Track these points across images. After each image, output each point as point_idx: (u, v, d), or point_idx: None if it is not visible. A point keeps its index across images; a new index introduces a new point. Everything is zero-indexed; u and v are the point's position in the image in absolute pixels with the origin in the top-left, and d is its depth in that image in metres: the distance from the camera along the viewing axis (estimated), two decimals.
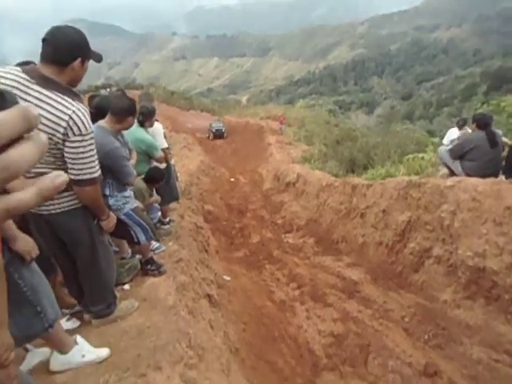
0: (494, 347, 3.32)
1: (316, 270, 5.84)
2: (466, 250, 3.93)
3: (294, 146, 18.13)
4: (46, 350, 1.84)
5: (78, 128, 1.76)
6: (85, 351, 1.83)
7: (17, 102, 0.32)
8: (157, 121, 4.46)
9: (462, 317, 3.83)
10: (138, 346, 1.88)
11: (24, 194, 0.31)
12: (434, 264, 4.44)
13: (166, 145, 4.54)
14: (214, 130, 24.93)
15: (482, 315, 3.67)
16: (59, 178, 0.33)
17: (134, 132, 3.66)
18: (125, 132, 2.93)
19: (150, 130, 4.16)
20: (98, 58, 2.01)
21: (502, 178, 4.26)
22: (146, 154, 3.79)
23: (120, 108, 2.61)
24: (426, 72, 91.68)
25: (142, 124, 3.90)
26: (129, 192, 2.70)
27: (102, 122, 2.59)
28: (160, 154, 3.99)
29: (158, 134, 4.39)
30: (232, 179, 14.65)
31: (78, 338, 1.86)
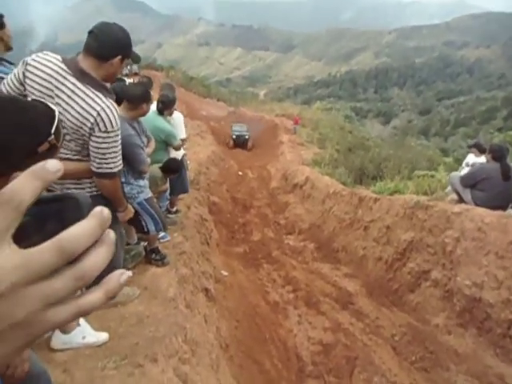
0: (479, 378, 3.35)
1: (313, 276, 5.89)
2: (464, 278, 3.95)
3: (306, 148, 18.10)
4: None
5: (105, 125, 1.82)
6: (86, 333, 1.90)
7: (91, 207, 0.34)
8: (175, 110, 4.50)
9: (452, 343, 3.86)
10: (137, 335, 1.95)
11: (93, 297, 0.33)
12: (431, 287, 4.47)
13: (184, 135, 4.60)
14: (234, 136, 20.61)
15: (471, 344, 3.71)
16: (124, 275, 0.35)
17: (153, 120, 3.71)
18: (143, 119, 2.98)
19: (170, 119, 4.21)
20: (137, 59, 2.06)
21: (510, 212, 4.26)
22: (165, 142, 3.85)
23: (134, 95, 2.65)
24: (448, 90, 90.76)
25: (161, 112, 3.94)
26: (144, 181, 2.75)
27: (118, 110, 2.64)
28: (178, 142, 4.05)
29: (178, 123, 4.43)
30: (240, 173, 14.69)
31: (81, 320, 1.93)
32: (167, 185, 3.92)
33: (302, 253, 7.15)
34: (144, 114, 2.82)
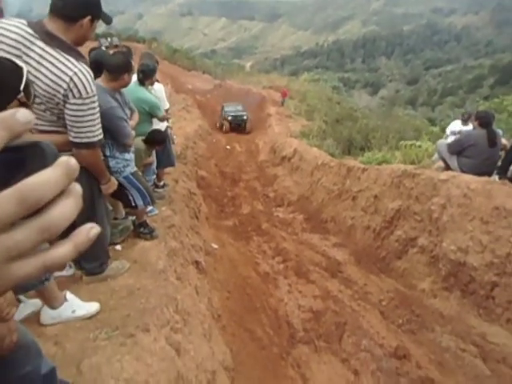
0: (463, 337, 3.49)
1: (302, 247, 5.97)
2: (450, 243, 4.04)
3: (294, 120, 17.94)
4: (37, 302, 1.89)
5: (79, 91, 1.72)
6: (75, 306, 1.89)
7: (57, 155, 0.31)
8: (157, 81, 4.38)
9: (437, 306, 3.99)
10: (128, 307, 1.95)
11: (61, 250, 0.31)
12: (418, 253, 4.57)
13: (167, 106, 4.51)
14: (230, 118, 17.15)
15: (456, 306, 3.84)
16: (93, 230, 0.32)
17: (135, 91, 3.59)
18: (125, 91, 2.88)
19: (151, 88, 4.10)
20: (109, 20, 1.94)
21: (495, 178, 4.32)
22: (149, 114, 3.75)
23: (115, 65, 2.53)
24: (436, 58, 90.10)
25: (142, 82, 3.81)
26: (130, 155, 2.69)
27: (98, 81, 2.52)
28: (163, 113, 3.96)
29: (160, 94, 4.33)
30: (228, 147, 14.58)
31: (68, 295, 1.91)
32: (152, 158, 3.85)
33: (291, 224, 7.22)
34: (126, 85, 2.70)
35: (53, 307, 1.84)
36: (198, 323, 2.69)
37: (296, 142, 11.51)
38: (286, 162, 10.97)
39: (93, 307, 1.95)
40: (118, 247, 2.74)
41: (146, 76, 3.84)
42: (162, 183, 4.48)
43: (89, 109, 1.79)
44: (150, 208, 3.38)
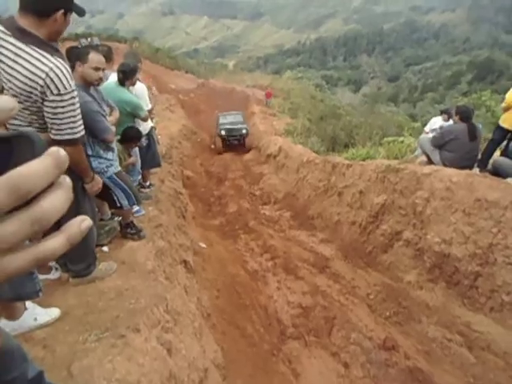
0: (448, 327, 3.57)
1: (290, 244, 6.00)
2: (434, 236, 4.13)
3: (278, 118, 17.99)
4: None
5: (56, 86, 1.67)
6: (36, 314, 1.83)
7: (46, 147, 0.31)
8: (139, 81, 4.33)
9: (423, 297, 4.07)
10: (117, 308, 1.93)
11: (53, 243, 0.30)
12: (403, 247, 4.65)
13: (150, 106, 4.45)
14: (223, 132, 13.37)
15: (441, 297, 3.92)
16: (85, 222, 0.32)
17: (116, 92, 3.54)
18: (105, 92, 2.83)
19: (132, 89, 4.05)
20: (81, 12, 1.89)
21: (476, 170, 4.43)
22: (131, 114, 3.71)
23: None
24: (415, 55, 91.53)
25: (122, 83, 3.76)
26: (113, 154, 2.65)
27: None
28: (145, 113, 3.92)
29: (141, 94, 4.27)
30: (213, 146, 14.51)
31: (28, 303, 1.85)
32: (134, 158, 3.80)
33: (278, 222, 7.25)
34: (101, 81, 2.62)
35: (13, 318, 1.77)
36: (189, 322, 2.68)
37: (281, 140, 11.54)
38: (271, 159, 11.00)
39: (54, 312, 1.90)
40: (105, 248, 2.71)
41: (127, 76, 3.78)
42: (147, 183, 4.44)
43: (68, 105, 1.74)
44: (136, 208, 3.35)
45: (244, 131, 13.51)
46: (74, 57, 2.42)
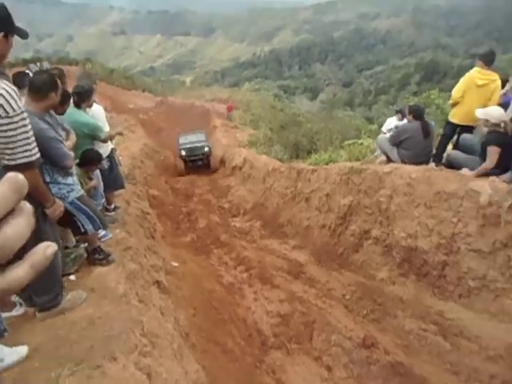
0: (423, 318, 3.68)
1: (263, 253, 6.00)
2: (400, 231, 4.27)
3: (240, 130, 18.12)
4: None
5: (4, 110, 1.62)
6: (3, 355, 1.72)
7: (2, 174, 0.30)
8: (95, 102, 4.23)
9: (396, 292, 4.18)
10: (90, 337, 1.84)
11: (18, 272, 0.29)
12: (373, 245, 4.77)
13: (107, 128, 4.34)
14: (182, 153, 12.65)
15: (413, 290, 4.05)
16: (49, 248, 0.32)
17: (72, 114, 3.44)
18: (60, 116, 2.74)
19: (89, 111, 3.95)
20: (24, 34, 1.84)
21: (432, 165, 4.65)
22: (89, 136, 3.61)
23: (39, 83, 2.35)
24: (366, 61, 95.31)
25: (78, 105, 3.66)
26: (73, 179, 2.55)
27: (25, 104, 2.35)
28: (105, 134, 3.83)
29: (98, 116, 4.18)
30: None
31: None
32: (95, 181, 3.69)
33: (249, 232, 7.24)
34: (54, 105, 2.52)
35: None
36: (167, 344, 2.61)
37: (245, 152, 11.61)
38: (237, 171, 11.02)
39: (23, 350, 1.78)
40: (73, 277, 2.59)
41: (82, 98, 3.69)
42: (112, 206, 4.32)
43: (19, 127, 1.68)
44: (102, 233, 3.24)
45: (206, 149, 12.64)
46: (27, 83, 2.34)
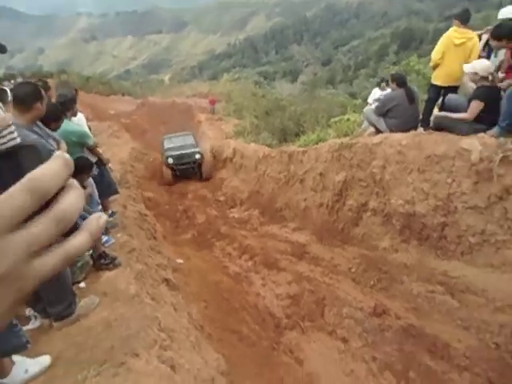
0: (428, 280, 3.76)
1: (265, 239, 6.05)
2: (397, 199, 4.33)
3: (225, 122, 18.03)
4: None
5: None
6: (26, 366, 1.75)
7: (52, 151, 0.32)
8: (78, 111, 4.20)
9: (400, 259, 4.26)
10: (109, 339, 1.87)
11: (79, 239, 0.31)
12: (371, 216, 4.83)
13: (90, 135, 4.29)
14: (169, 160, 10.73)
15: (416, 254, 4.12)
16: (102, 218, 0.33)
17: None
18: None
19: (74, 119, 3.92)
20: (2, 49, 1.81)
21: (420, 130, 4.69)
22: (78, 144, 3.59)
23: (23, 94, 2.34)
24: (341, 37, 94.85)
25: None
26: None
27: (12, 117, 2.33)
28: (94, 140, 3.81)
29: (82, 124, 4.15)
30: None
31: (14, 357, 1.77)
32: (90, 188, 3.67)
33: (248, 221, 7.27)
34: (41, 114, 2.50)
35: (2, 376, 1.68)
36: (184, 338, 2.65)
37: (233, 142, 11.57)
38: (228, 163, 10.99)
39: (45, 360, 1.82)
40: (83, 284, 2.61)
41: (66, 107, 3.66)
42: (109, 212, 4.32)
43: (9, 140, 1.67)
44: (105, 238, 3.25)
45: (197, 156, 10.79)
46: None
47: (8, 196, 0.27)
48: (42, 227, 0.28)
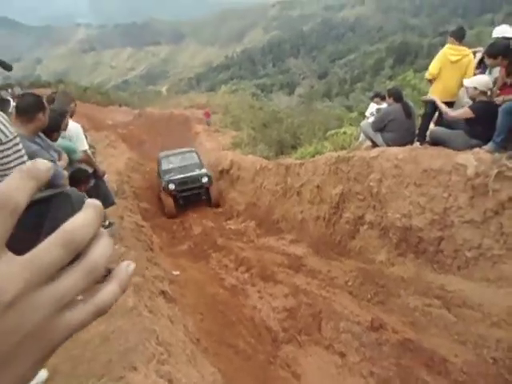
0: (425, 294, 3.77)
1: (261, 252, 6.04)
2: (394, 212, 4.36)
3: (222, 133, 18.12)
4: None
5: None
6: None
7: (84, 199, 0.31)
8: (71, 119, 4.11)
9: (397, 273, 4.27)
10: (107, 352, 1.86)
11: (109, 291, 0.30)
12: (368, 229, 4.85)
13: (86, 146, 4.13)
14: (170, 186, 8.89)
15: (413, 268, 4.13)
16: (130, 266, 0.32)
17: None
18: None
19: (66, 132, 3.87)
20: (8, 67, 1.84)
21: (416, 144, 4.74)
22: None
23: (26, 105, 2.36)
24: (338, 51, 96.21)
25: None
26: None
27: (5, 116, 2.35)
28: (79, 156, 3.77)
29: (75, 134, 4.04)
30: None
31: None
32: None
33: (245, 233, 7.26)
34: (43, 125, 2.50)
35: None
36: (181, 351, 2.63)
37: (230, 154, 11.62)
38: (225, 174, 11.01)
39: (42, 374, 1.77)
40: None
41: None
42: (106, 223, 4.30)
43: (14, 152, 1.68)
44: None
45: (205, 180, 8.88)
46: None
47: (42, 249, 0.26)
48: (72, 280, 0.27)
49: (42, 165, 0.29)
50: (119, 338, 1.98)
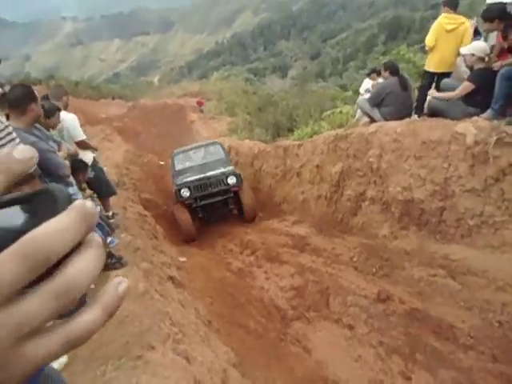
0: (430, 264, 3.82)
1: (265, 234, 6.09)
2: (394, 186, 4.38)
3: (218, 120, 18.04)
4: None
5: None
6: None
7: (71, 200, 0.25)
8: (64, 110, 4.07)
9: (400, 246, 4.32)
10: (124, 335, 1.90)
11: (87, 317, 0.24)
12: (370, 205, 4.89)
13: (83, 136, 4.11)
14: (185, 194, 6.51)
15: (416, 240, 4.18)
16: (122, 284, 0.26)
17: None
18: None
19: (61, 123, 3.86)
20: None
21: (414, 117, 4.74)
22: None
23: (15, 98, 2.32)
24: (329, 30, 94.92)
25: None
26: (73, 188, 2.58)
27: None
28: (71, 149, 3.75)
29: (71, 124, 3.98)
30: (162, 162, 14.26)
31: None
32: (88, 191, 3.70)
33: None
34: (38, 116, 2.47)
35: None
36: (194, 332, 2.68)
37: (227, 140, 11.59)
38: None
39: (62, 359, 1.74)
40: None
41: (47, 115, 3.63)
42: (110, 213, 4.33)
43: (8, 141, 1.68)
44: (109, 239, 3.27)
45: (232, 180, 6.62)
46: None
47: None
48: (37, 303, 0.22)
49: (19, 153, 0.25)
50: (134, 321, 2.02)
